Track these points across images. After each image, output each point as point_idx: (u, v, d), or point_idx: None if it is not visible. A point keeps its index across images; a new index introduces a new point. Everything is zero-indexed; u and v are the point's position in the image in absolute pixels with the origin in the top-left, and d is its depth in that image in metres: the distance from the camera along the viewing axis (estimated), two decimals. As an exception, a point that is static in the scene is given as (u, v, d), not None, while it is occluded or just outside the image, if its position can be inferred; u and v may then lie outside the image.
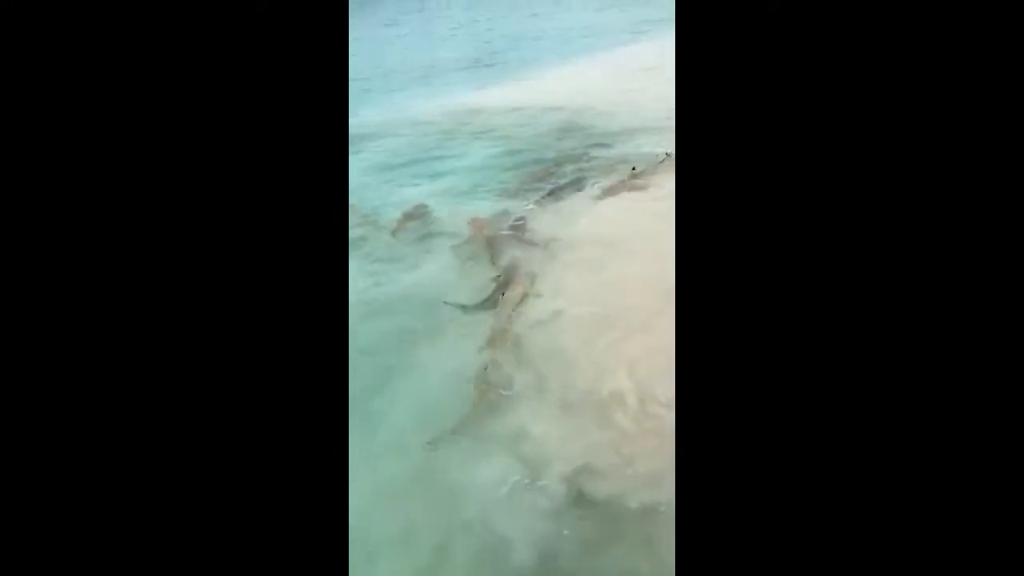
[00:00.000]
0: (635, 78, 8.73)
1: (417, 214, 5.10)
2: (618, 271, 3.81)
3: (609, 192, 5.07)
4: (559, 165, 5.94)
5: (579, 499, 2.38)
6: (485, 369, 3.10)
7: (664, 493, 2.28)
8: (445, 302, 3.78)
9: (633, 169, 5.28)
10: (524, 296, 3.70)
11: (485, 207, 5.15)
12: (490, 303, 3.70)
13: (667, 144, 5.79)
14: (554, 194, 5.21)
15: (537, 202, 5.11)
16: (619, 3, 15.44)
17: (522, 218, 4.77)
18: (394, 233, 4.83)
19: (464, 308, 3.72)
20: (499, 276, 3.96)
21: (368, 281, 4.17)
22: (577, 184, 5.36)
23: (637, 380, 2.89)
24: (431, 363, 3.28)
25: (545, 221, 4.71)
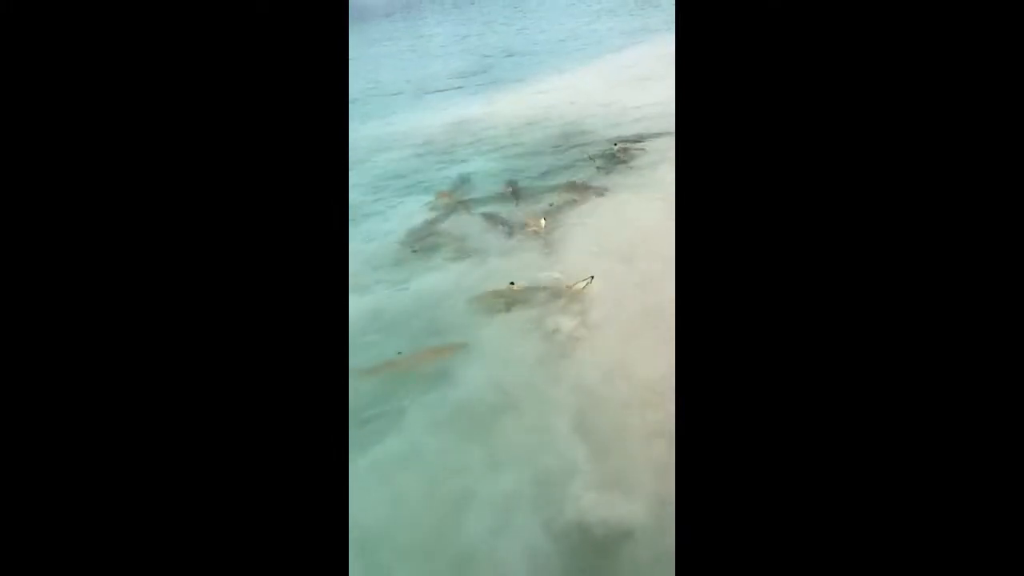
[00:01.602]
0: (630, 86, 8.68)
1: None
2: (627, 278, 3.79)
3: (606, 197, 5.15)
4: (558, 174, 5.92)
5: (597, 522, 2.28)
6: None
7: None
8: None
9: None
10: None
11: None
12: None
13: (665, 146, 5.72)
14: (554, 203, 5.21)
15: (539, 210, 5.12)
16: (613, 12, 15.47)
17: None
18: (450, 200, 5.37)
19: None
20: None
21: (388, 289, 4.21)
22: (577, 191, 5.38)
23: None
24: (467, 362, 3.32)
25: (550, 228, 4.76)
